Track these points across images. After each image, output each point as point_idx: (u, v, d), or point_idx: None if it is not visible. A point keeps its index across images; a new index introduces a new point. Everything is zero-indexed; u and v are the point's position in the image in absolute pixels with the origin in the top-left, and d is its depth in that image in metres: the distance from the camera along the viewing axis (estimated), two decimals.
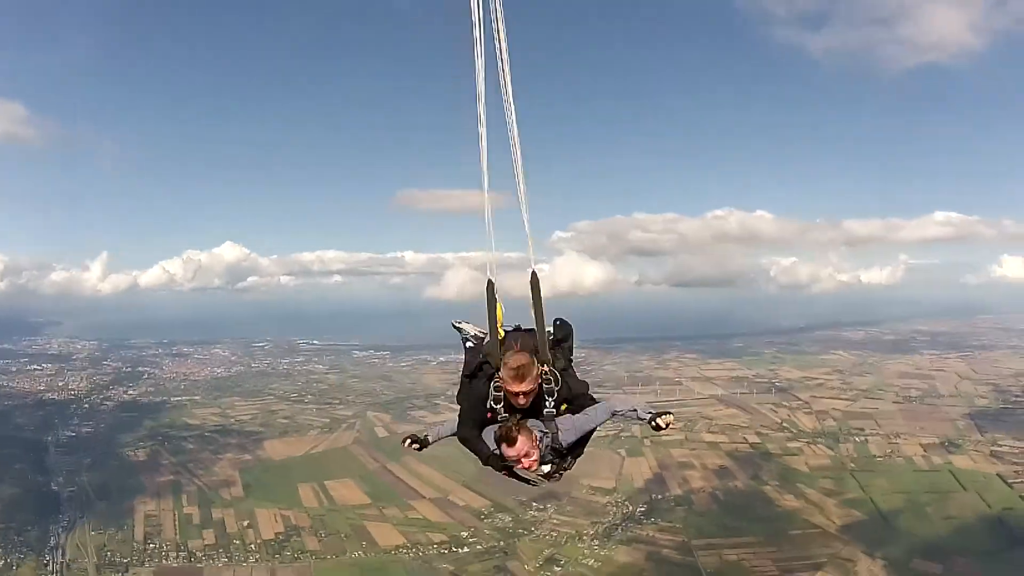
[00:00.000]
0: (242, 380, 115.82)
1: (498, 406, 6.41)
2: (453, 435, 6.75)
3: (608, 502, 69.19)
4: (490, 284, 6.62)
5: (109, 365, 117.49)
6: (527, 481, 6.44)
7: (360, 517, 67.52)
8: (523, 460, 6.12)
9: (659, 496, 70.27)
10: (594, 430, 6.46)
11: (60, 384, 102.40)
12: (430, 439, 6.93)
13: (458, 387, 6.91)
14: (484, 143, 6.04)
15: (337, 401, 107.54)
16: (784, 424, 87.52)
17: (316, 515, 67.46)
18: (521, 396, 6.25)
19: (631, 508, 68.17)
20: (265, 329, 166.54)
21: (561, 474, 6.45)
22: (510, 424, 6.08)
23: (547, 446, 6.28)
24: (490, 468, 6.47)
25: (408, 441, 6.85)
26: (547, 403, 6.30)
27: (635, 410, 6.38)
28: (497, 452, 6.21)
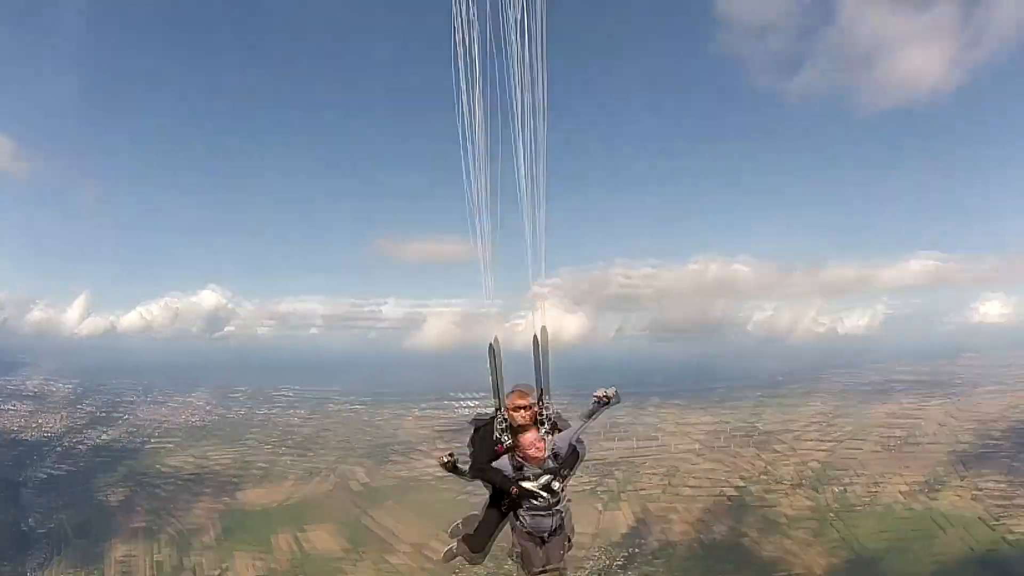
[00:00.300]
0: (219, 427, 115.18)
1: (504, 436, 7.67)
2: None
3: (586, 555, 69.07)
4: (491, 347, 7.74)
5: (85, 407, 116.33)
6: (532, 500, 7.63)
7: (336, 567, 67.52)
8: (536, 444, 7.58)
9: (639, 547, 70.63)
10: (581, 452, 7.86)
11: (36, 424, 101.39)
12: (459, 466, 7.80)
13: (469, 436, 7.97)
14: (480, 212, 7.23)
15: (314, 450, 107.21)
16: (765, 472, 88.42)
17: (292, 563, 67.35)
18: (522, 410, 7.67)
19: (610, 560, 68.65)
20: (243, 376, 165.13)
21: (561, 513, 7.67)
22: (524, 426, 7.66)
23: (549, 450, 7.66)
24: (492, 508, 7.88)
25: (446, 458, 7.76)
26: (543, 428, 7.76)
27: (595, 401, 7.82)
28: (513, 465, 7.55)
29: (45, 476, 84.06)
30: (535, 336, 7.84)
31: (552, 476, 7.67)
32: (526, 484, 7.60)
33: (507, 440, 7.71)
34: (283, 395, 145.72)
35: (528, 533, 7.78)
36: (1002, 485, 77.23)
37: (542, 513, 7.77)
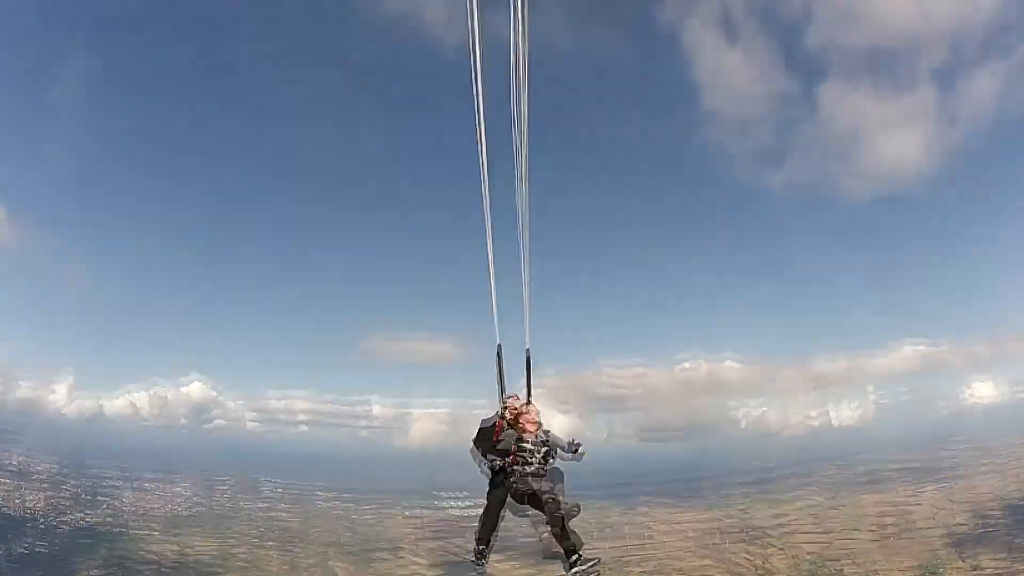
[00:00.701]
0: (203, 517, 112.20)
1: (507, 416, 10.86)
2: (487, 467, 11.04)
3: None
4: (498, 351, 10.70)
5: (69, 487, 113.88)
6: (525, 471, 10.65)
7: None
8: (532, 419, 10.82)
9: None
10: (555, 452, 11.04)
11: (18, 499, 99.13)
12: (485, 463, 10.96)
13: (475, 434, 11.00)
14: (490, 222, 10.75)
15: (299, 545, 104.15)
16: (759, 568, 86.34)
17: None
18: (519, 405, 10.93)
19: None
20: (229, 467, 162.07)
21: (555, 498, 10.60)
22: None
23: (540, 435, 11.06)
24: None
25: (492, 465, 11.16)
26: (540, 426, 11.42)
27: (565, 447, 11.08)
28: (509, 430, 10.78)
29: (25, 551, 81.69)
30: (527, 352, 10.89)
31: (541, 446, 10.64)
32: (524, 444, 10.47)
33: (509, 419, 10.69)
34: (269, 488, 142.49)
35: (522, 493, 10.49)
36: (1003, 563, 74.81)
37: (531, 476, 10.49)
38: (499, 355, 10.67)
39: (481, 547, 10.86)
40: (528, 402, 10.89)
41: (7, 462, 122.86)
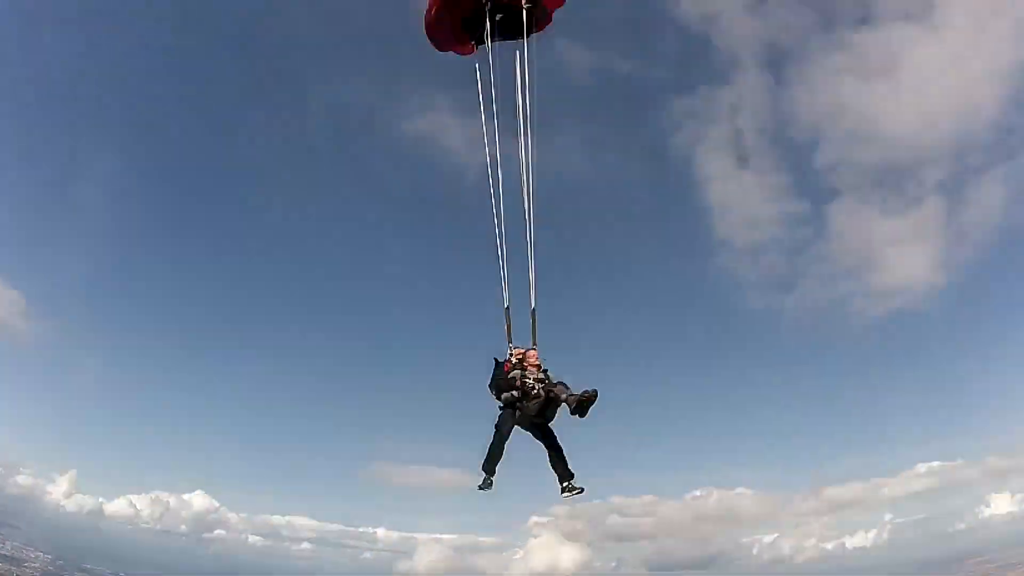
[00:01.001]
0: None
1: (513, 359, 12.40)
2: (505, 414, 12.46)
3: None
4: (506, 309, 12.79)
5: None
6: (525, 401, 12.11)
7: None
8: (533, 360, 12.35)
9: None
10: (559, 396, 12.07)
11: None
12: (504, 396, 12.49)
13: (490, 376, 12.62)
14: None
15: None
16: None
17: None
18: (522, 352, 12.56)
19: None
20: None
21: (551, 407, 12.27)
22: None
23: (543, 370, 12.43)
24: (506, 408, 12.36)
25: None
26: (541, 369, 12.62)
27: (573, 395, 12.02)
28: (519, 361, 12.35)
29: None
30: (532, 312, 12.95)
31: (541, 382, 12.27)
32: (527, 379, 12.18)
33: (515, 360, 12.44)
34: None
35: (526, 415, 12.32)
36: None
37: (534, 403, 12.19)
38: (507, 313, 12.83)
39: (488, 477, 12.51)
40: (532, 348, 12.80)
41: (1, 548, 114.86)
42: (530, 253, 12.82)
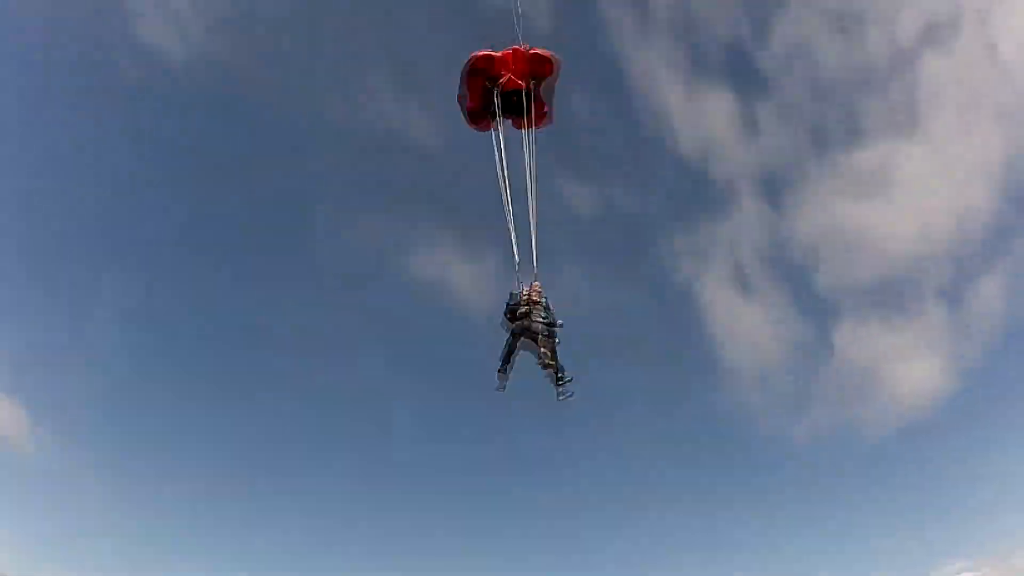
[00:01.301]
0: None
1: (521, 292, 15.20)
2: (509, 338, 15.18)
3: None
4: (515, 269, 15.41)
5: None
6: (533, 334, 14.73)
7: None
8: (536, 290, 15.14)
9: None
10: (555, 325, 14.91)
11: None
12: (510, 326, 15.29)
13: (503, 313, 15.22)
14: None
15: None
16: None
17: None
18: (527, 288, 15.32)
19: None
20: None
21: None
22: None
23: (544, 302, 15.05)
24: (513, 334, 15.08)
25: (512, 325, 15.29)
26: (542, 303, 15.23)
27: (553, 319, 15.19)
28: (525, 298, 15.00)
29: None
30: (532, 239, 15.63)
31: (542, 308, 14.93)
32: (532, 315, 14.73)
33: (523, 291, 15.07)
34: None
35: (528, 339, 14.83)
36: None
37: (534, 333, 14.64)
38: (516, 273, 15.50)
39: (502, 372, 14.91)
40: (534, 281, 15.26)
41: None
42: (531, 195, 15.56)
